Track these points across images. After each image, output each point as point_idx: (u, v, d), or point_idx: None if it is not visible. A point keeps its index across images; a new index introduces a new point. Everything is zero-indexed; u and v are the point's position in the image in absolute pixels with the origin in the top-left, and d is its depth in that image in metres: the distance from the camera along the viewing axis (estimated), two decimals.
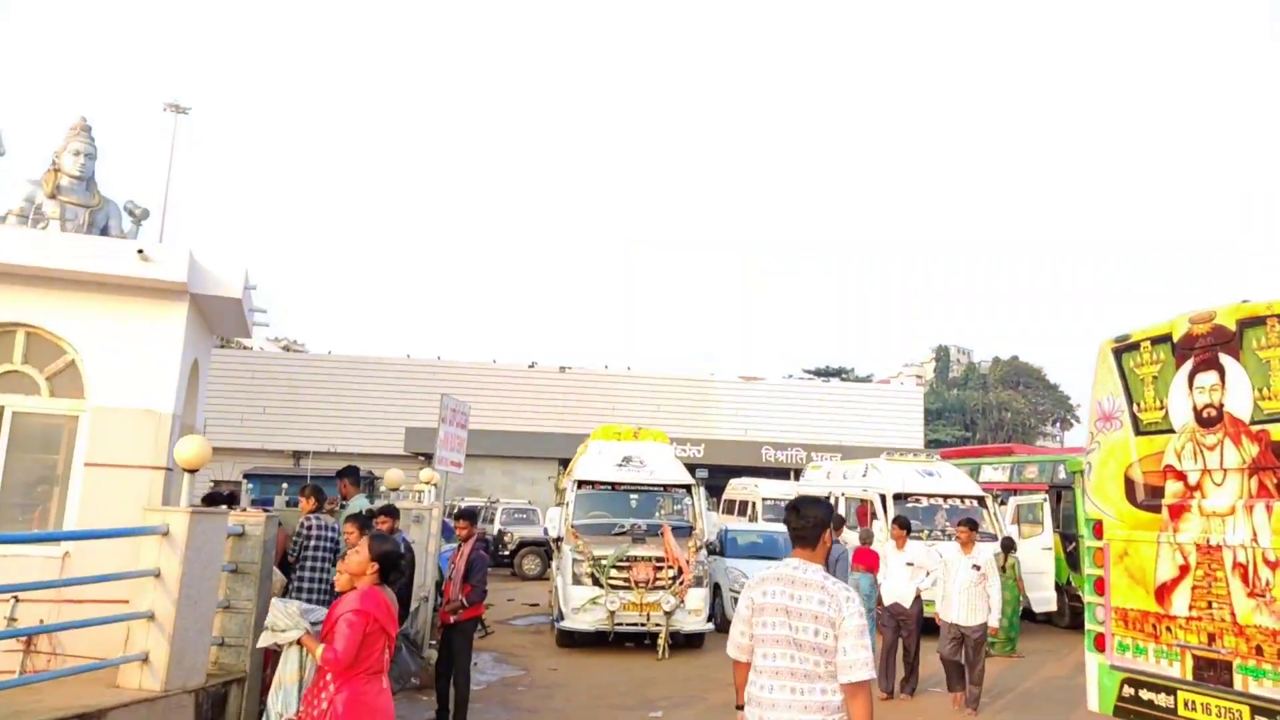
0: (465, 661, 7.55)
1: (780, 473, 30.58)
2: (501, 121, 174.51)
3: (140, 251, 6.77)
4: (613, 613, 11.50)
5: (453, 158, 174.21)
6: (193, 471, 5.76)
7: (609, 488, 12.92)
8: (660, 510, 12.92)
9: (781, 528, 17.32)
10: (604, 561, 11.72)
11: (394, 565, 4.29)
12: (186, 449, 5.70)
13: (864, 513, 14.85)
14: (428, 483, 11.08)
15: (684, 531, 12.47)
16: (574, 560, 11.86)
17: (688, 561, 11.89)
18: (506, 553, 21.84)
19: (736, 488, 27.33)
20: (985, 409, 73.18)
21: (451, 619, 7.50)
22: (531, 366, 41.85)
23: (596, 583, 11.68)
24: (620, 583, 11.73)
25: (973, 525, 9.46)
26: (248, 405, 41.82)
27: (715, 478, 30.89)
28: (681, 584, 11.79)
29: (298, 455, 40.42)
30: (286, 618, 4.49)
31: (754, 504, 25.15)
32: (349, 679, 3.97)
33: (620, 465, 13.22)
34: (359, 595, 4.09)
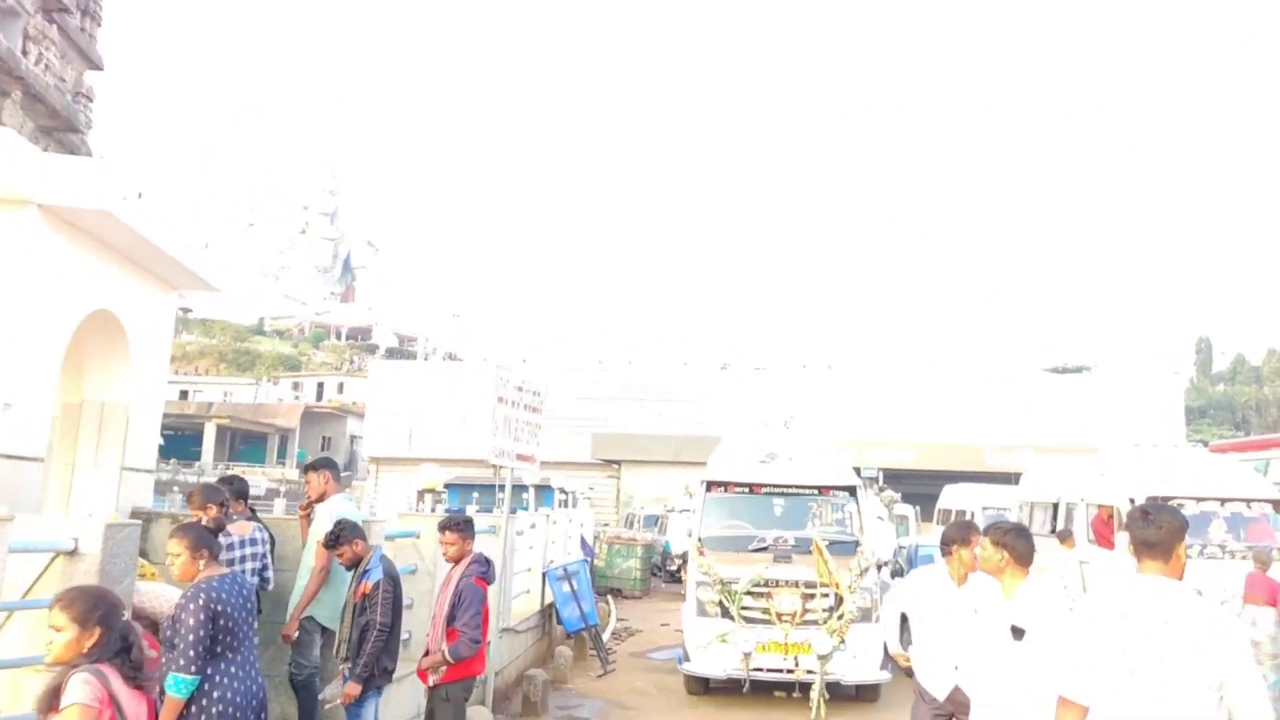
0: None
1: (1005, 478, 26.28)
2: (686, 119, 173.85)
3: None
4: (747, 655, 8.70)
5: (639, 152, 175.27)
6: None
7: (745, 490, 10.13)
8: (814, 519, 9.97)
9: None
10: (735, 587, 8.96)
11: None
12: None
13: (1102, 524, 11.10)
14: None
15: (846, 548, 9.48)
16: (698, 584, 9.19)
17: (850, 587, 8.88)
18: (675, 567, 19.57)
19: (953, 495, 23.90)
20: (1260, 405, 62.65)
21: (430, 679, 5.10)
22: (724, 369, 39.34)
23: (727, 614, 8.94)
24: (758, 615, 8.92)
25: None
26: (453, 415, 42.13)
27: (930, 484, 27.14)
28: (841, 618, 8.80)
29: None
30: None
31: (972, 514, 21.77)
32: None
33: (763, 462, 10.38)
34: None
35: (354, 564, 5.09)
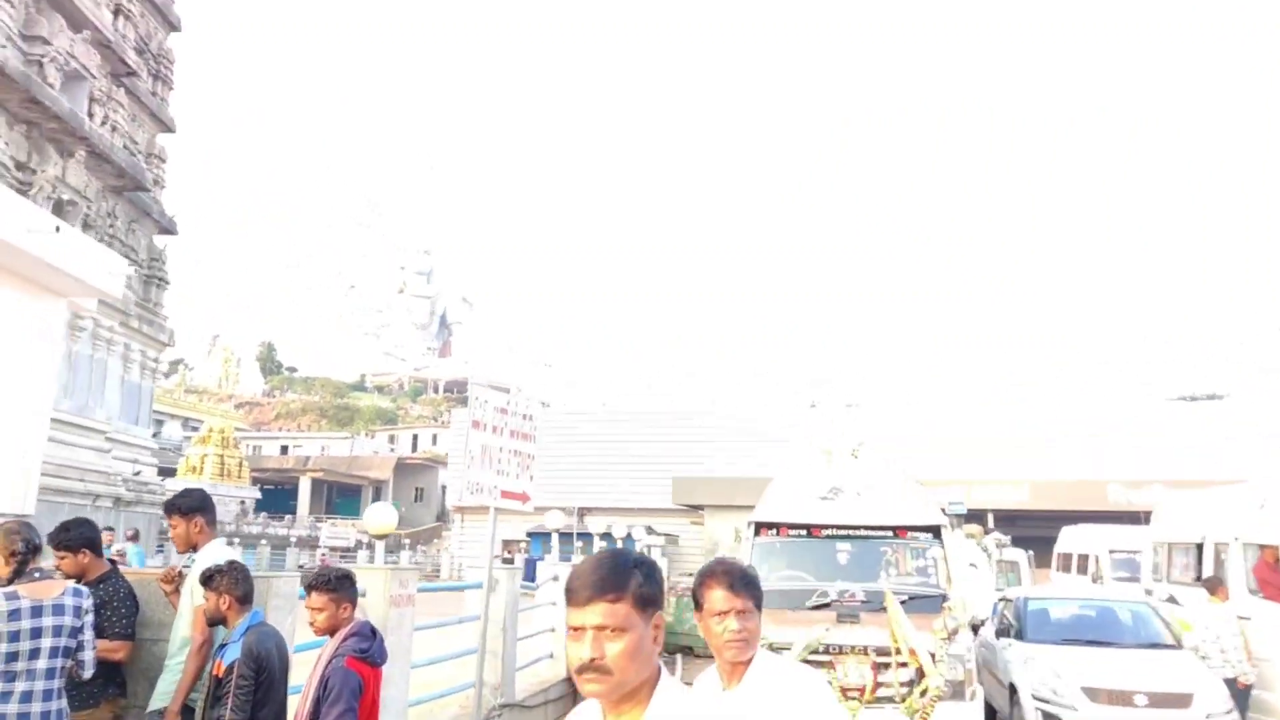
0: None
1: (1132, 518, 23.44)
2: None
3: None
4: None
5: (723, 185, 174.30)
6: None
7: (803, 533, 8.37)
8: (889, 569, 8.14)
9: (1130, 595, 11.52)
10: (788, 654, 7.22)
11: None
12: None
13: (1268, 569, 8.85)
14: None
15: (930, 604, 7.63)
16: None
17: (933, 655, 7.04)
18: None
19: (1073, 537, 21.41)
20: None
21: None
22: (813, 407, 37.21)
23: None
24: None
25: None
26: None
27: (1047, 525, 24.55)
28: (924, 694, 6.95)
29: (581, 511, 38.79)
30: None
31: (1096, 558, 19.26)
32: None
33: (825, 499, 8.62)
34: None
35: (213, 624, 3.73)
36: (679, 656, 16.24)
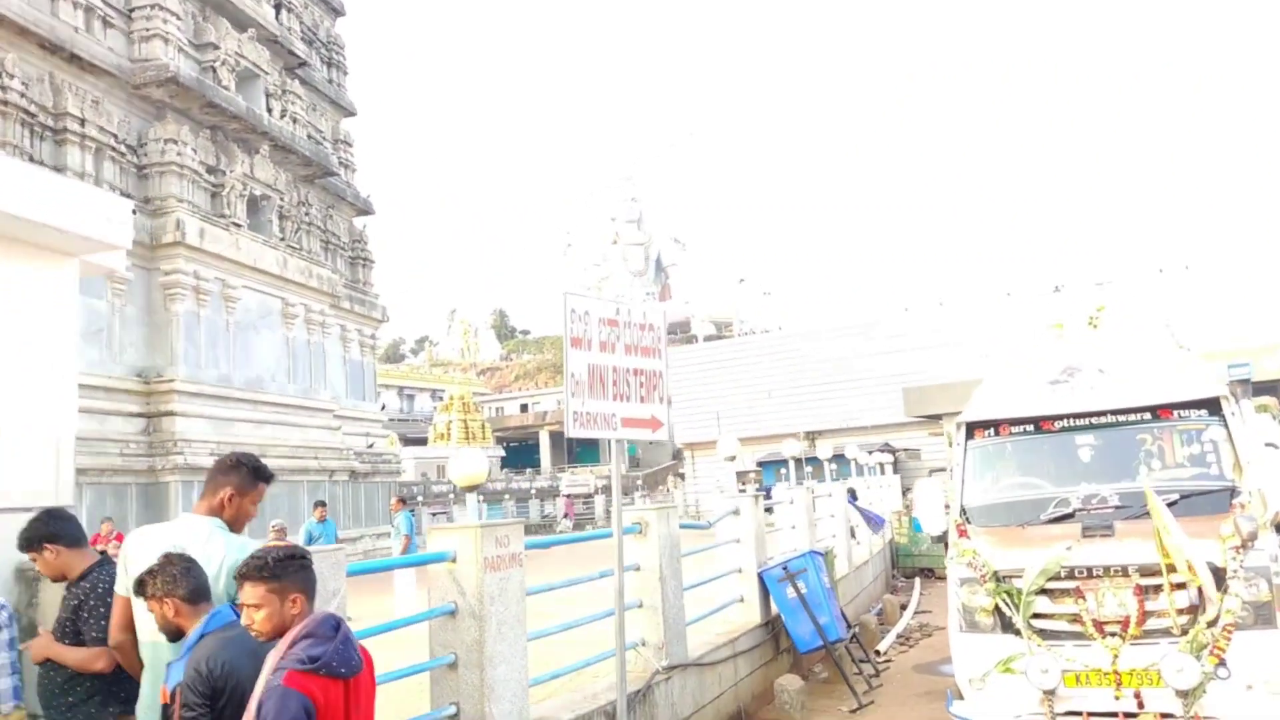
0: None
1: None
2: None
3: None
4: (1050, 693, 5.35)
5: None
6: None
7: (1030, 429, 6.61)
8: (1150, 463, 6.24)
9: None
10: (1020, 582, 5.64)
11: None
12: None
13: None
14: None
15: (1214, 502, 5.75)
16: (962, 581, 5.96)
17: (1222, 570, 5.21)
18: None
19: None
20: None
21: None
22: (1057, 290, 33.28)
23: (1010, 627, 5.65)
24: (1064, 626, 5.53)
25: None
26: (754, 391, 40.23)
27: None
28: (1213, 624, 5.16)
29: (811, 436, 37.28)
30: None
31: None
32: None
33: (1057, 382, 6.79)
34: None
35: (172, 638, 2.88)
36: (917, 579, 14.67)
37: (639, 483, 48.10)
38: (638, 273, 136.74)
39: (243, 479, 3.28)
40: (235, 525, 3.27)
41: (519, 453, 62.59)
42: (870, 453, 18.74)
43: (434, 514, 33.79)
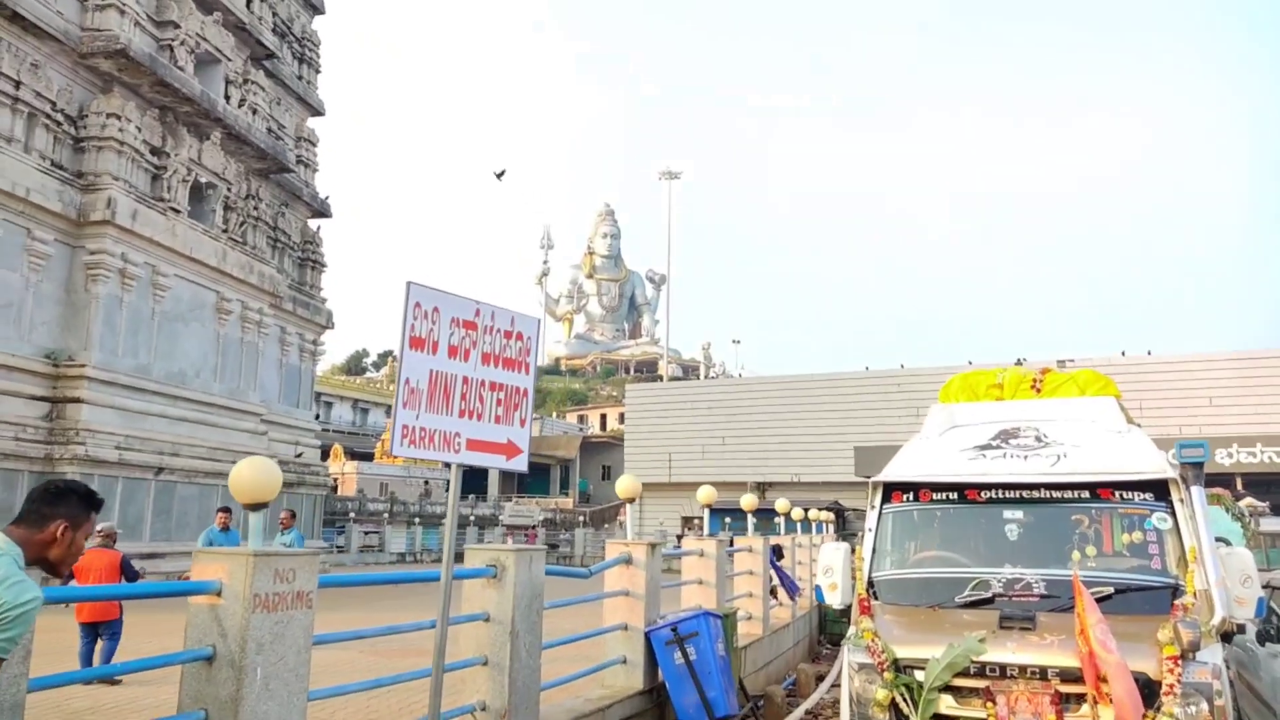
0: None
1: None
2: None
3: None
4: None
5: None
6: None
7: (954, 497, 5.84)
8: (1083, 547, 5.47)
9: None
10: (922, 675, 4.82)
11: None
12: None
13: None
14: None
15: (1152, 600, 5.00)
16: (858, 668, 5.13)
17: (1164, 684, 4.42)
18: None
19: None
20: None
21: None
22: (1019, 363, 32.93)
23: None
24: None
25: None
26: (709, 436, 39.49)
27: None
28: None
29: (761, 487, 36.44)
30: None
31: None
32: None
33: (989, 447, 6.04)
34: None
35: None
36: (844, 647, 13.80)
37: (584, 519, 46.93)
38: (610, 308, 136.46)
39: (73, 509, 2.56)
40: (62, 565, 2.58)
41: (468, 477, 61.19)
42: (805, 510, 17.95)
43: (365, 532, 32.50)
